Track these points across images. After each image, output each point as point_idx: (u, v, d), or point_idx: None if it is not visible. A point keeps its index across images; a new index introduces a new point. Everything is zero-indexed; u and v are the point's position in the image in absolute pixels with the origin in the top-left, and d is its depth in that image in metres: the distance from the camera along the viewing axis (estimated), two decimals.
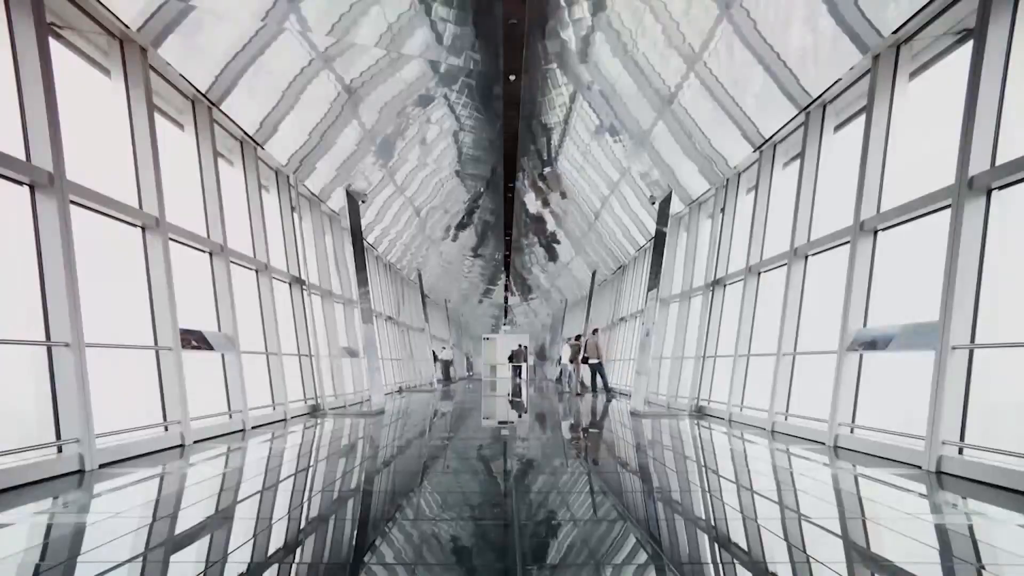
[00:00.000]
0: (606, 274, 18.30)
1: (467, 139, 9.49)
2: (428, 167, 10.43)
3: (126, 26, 5.23)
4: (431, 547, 2.59)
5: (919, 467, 4.40)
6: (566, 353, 16.08)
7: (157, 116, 5.87)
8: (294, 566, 2.37)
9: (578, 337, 16.27)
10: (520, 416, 9.36)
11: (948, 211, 4.53)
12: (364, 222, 11.41)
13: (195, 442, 5.69)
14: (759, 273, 7.89)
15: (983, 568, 2.37)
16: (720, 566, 2.40)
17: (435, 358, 22.20)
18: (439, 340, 25.05)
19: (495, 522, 2.95)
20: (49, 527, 2.98)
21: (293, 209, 9.56)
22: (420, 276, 19.81)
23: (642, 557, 2.51)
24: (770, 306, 7.55)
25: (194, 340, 6.21)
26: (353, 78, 6.84)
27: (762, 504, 3.47)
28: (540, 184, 10.90)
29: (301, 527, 2.87)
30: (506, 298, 28.91)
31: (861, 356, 5.62)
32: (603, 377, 13.96)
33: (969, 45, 4.51)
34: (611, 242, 14.80)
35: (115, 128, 5.54)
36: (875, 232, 5.58)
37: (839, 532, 2.92)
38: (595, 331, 14.37)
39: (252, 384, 7.33)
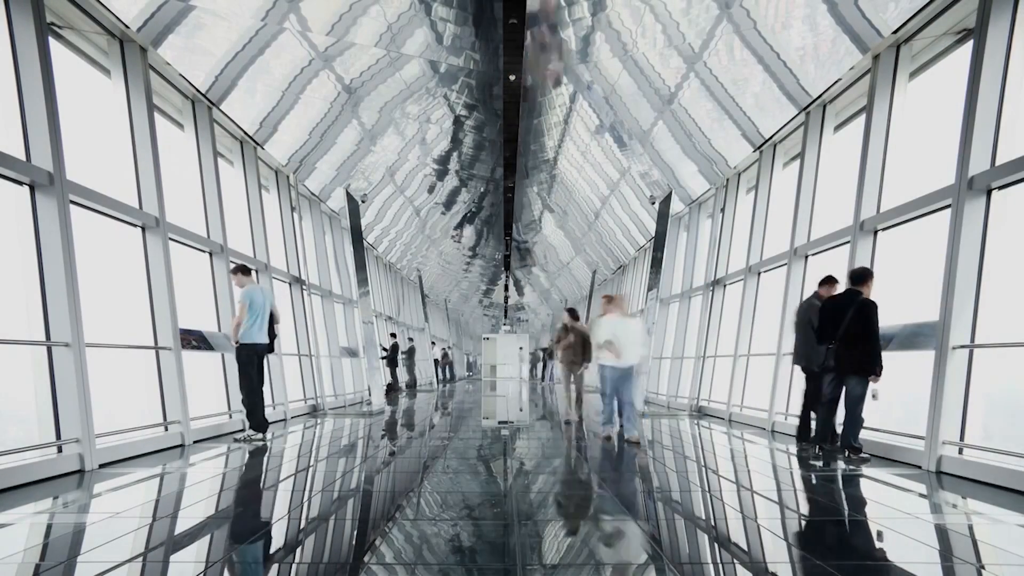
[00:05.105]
0: (606, 274, 18.29)
1: (467, 139, 9.48)
2: (428, 167, 10.43)
3: (126, 26, 5.23)
4: (431, 546, 2.59)
5: (919, 467, 4.40)
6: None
7: (157, 116, 5.87)
8: (294, 566, 2.37)
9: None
10: (520, 415, 9.35)
11: (948, 211, 4.54)
12: (364, 222, 11.41)
13: (195, 442, 5.69)
14: (759, 273, 7.89)
15: (983, 568, 2.37)
16: (720, 566, 2.40)
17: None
18: (439, 340, 25.03)
19: (494, 521, 2.95)
20: (49, 527, 2.98)
21: (293, 209, 9.56)
22: (420, 276, 19.80)
23: (641, 556, 2.51)
24: (770, 306, 7.54)
25: (194, 340, 6.21)
26: (353, 78, 6.84)
27: (762, 504, 3.47)
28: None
29: (301, 527, 2.87)
30: (506, 298, 28.88)
31: None
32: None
33: (969, 45, 4.51)
34: (611, 242, 14.79)
35: (115, 128, 5.54)
36: (875, 232, 5.58)
37: (839, 532, 2.92)
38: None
39: None
